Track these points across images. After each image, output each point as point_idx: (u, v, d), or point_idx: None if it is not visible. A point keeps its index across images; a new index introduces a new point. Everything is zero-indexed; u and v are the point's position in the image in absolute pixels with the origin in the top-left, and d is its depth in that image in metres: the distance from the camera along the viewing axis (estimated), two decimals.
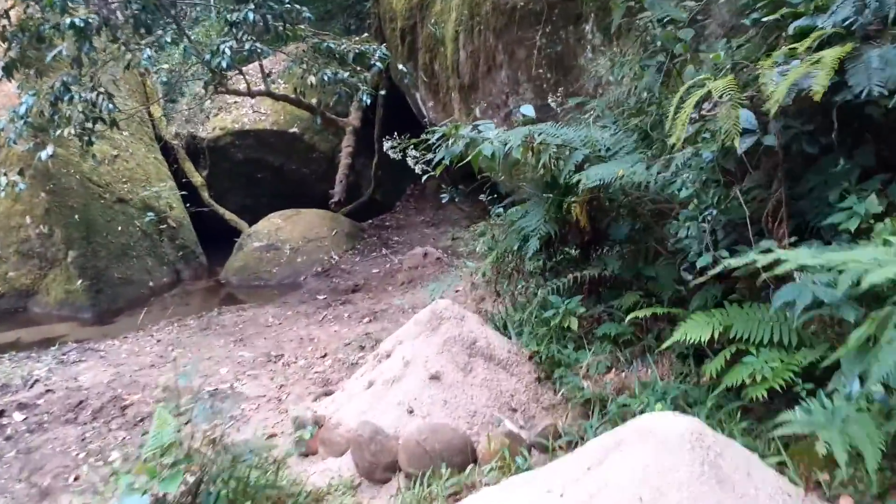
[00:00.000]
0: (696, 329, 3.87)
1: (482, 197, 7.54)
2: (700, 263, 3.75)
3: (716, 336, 3.77)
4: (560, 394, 4.48)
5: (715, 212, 3.83)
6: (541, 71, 8.44)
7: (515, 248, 5.51)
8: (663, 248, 5.01)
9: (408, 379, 4.56)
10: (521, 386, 4.60)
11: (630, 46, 7.26)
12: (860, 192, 3.47)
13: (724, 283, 4.17)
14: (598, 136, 4.88)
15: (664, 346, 3.95)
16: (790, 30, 3.94)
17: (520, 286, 5.59)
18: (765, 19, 4.33)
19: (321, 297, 9.23)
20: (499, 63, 8.97)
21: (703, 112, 3.88)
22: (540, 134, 4.58)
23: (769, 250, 2.96)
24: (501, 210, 5.84)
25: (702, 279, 3.91)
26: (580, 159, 4.55)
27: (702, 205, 3.92)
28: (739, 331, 3.78)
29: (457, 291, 8.36)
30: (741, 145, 3.58)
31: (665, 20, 5.36)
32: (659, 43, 5.41)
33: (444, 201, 8.37)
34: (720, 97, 3.44)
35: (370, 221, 12.60)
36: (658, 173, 4.00)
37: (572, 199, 4.72)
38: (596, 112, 6.45)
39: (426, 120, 10.87)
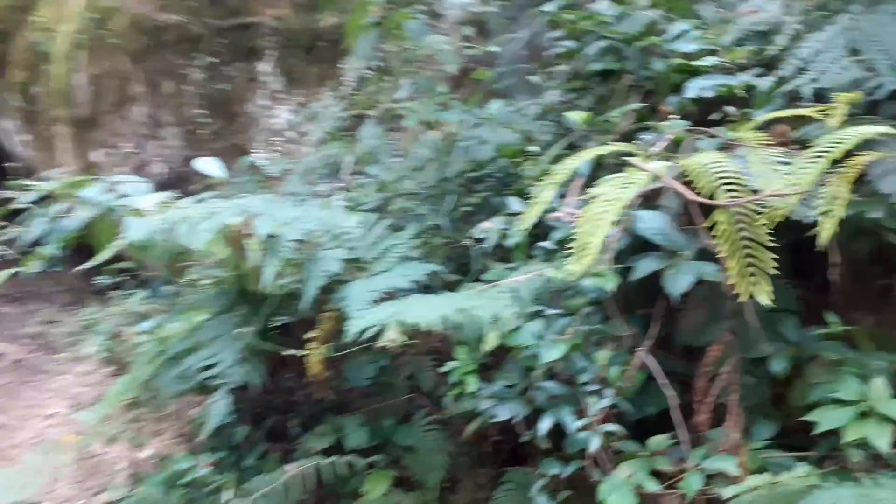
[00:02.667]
0: None
1: (102, 280, 4.79)
2: (609, 500, 1.81)
3: None
4: None
5: (612, 392, 1.95)
6: (197, 113, 5.97)
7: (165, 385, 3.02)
8: (428, 401, 3.03)
9: None
10: None
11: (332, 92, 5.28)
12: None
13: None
14: (345, 224, 2.73)
15: None
16: (689, 91, 2.33)
17: (180, 465, 3.04)
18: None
19: None
20: (135, 96, 6.25)
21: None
22: (259, 216, 2.28)
23: None
24: (146, 328, 3.29)
25: None
26: (335, 269, 2.35)
27: (581, 373, 2.01)
28: None
29: (50, 416, 5.24)
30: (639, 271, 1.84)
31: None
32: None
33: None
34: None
35: None
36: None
37: (308, 336, 2.47)
38: (293, 179, 4.29)
39: (17, 160, 7.41)
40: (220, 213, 2.24)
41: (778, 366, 2.01)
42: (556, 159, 2.49)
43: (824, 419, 1.79)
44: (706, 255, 2.09)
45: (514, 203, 2.51)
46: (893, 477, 1.76)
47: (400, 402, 3.02)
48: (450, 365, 2.38)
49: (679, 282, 1.88)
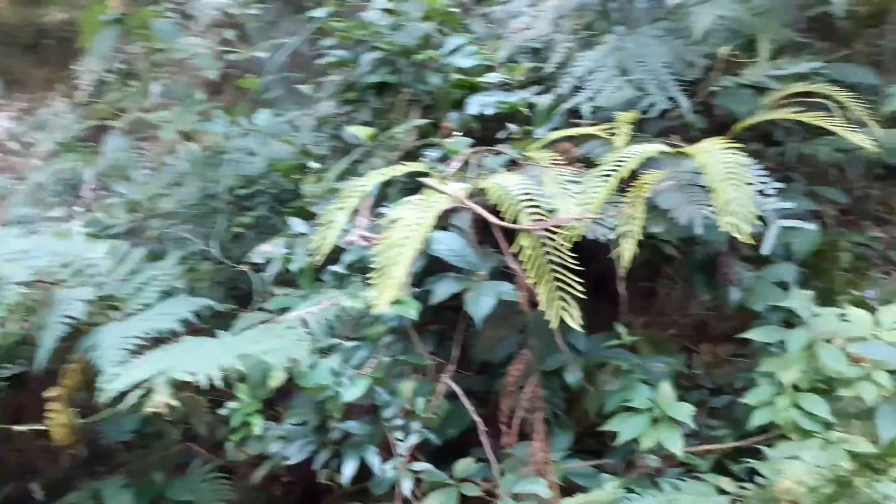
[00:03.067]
0: None
1: None
2: None
3: None
4: None
5: (419, 425, 1.83)
6: None
7: None
8: (205, 447, 2.68)
9: None
10: None
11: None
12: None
13: None
14: (90, 254, 2.29)
15: None
16: (471, 107, 2.30)
17: None
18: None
19: None
20: None
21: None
22: None
23: None
24: None
25: None
26: (78, 313, 1.94)
27: (385, 408, 1.86)
28: None
29: None
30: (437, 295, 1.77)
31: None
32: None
33: None
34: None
35: None
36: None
37: (48, 395, 2.03)
38: (18, 201, 3.63)
39: None
40: None
41: (572, 377, 2.03)
42: (342, 176, 2.31)
43: (623, 429, 1.82)
44: (501, 272, 2.05)
45: (296, 224, 2.28)
46: (684, 477, 1.85)
47: (172, 452, 2.63)
48: (230, 406, 2.09)
49: (481, 305, 1.80)
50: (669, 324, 2.48)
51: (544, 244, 1.53)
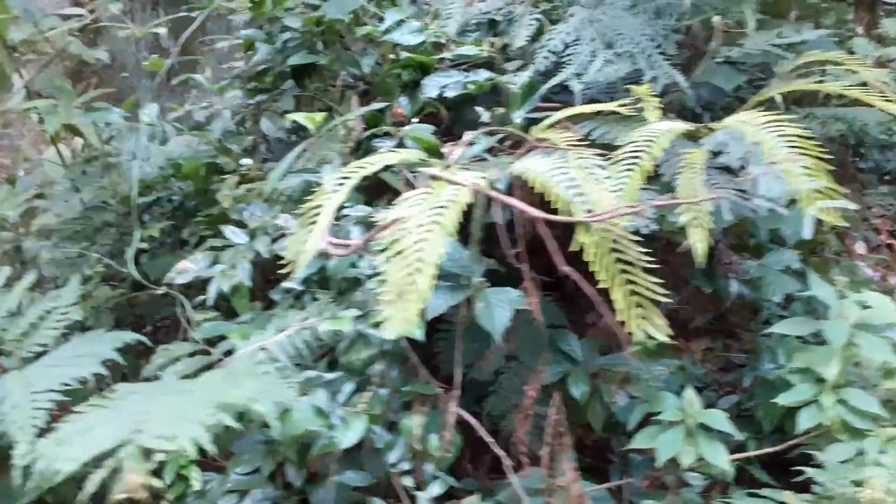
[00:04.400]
0: None
1: None
2: None
3: None
4: None
5: (432, 467, 1.51)
6: None
7: None
8: None
9: None
10: None
11: None
12: None
13: None
14: None
15: None
16: (429, 89, 2.01)
17: None
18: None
19: None
20: None
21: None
22: None
23: None
24: None
25: None
26: None
27: (388, 451, 1.52)
28: None
29: None
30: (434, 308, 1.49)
31: None
32: None
33: None
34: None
35: None
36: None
37: None
38: None
39: None
40: None
41: (577, 390, 1.78)
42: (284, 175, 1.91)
43: (659, 445, 1.59)
44: (495, 276, 1.77)
45: (233, 233, 1.87)
46: (719, 492, 1.66)
47: None
48: (157, 458, 1.66)
49: (497, 318, 1.51)
50: None
51: (615, 241, 1.26)
